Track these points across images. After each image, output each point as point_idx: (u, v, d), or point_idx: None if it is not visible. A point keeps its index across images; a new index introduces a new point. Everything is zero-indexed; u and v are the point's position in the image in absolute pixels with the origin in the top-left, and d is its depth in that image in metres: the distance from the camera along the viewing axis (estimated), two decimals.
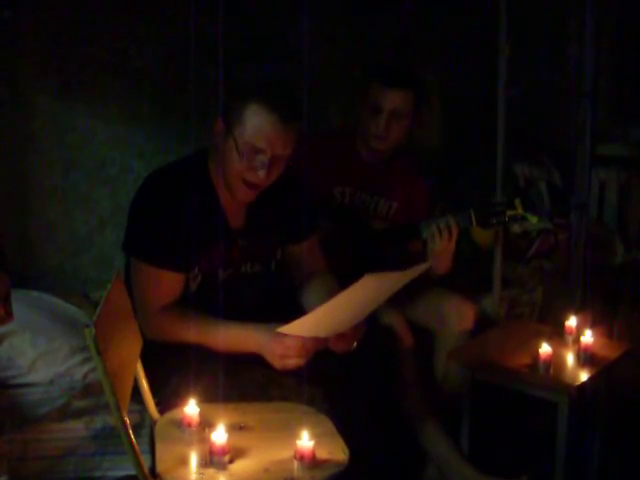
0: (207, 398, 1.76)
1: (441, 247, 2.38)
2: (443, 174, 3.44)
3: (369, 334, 1.94)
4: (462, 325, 2.42)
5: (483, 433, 2.35)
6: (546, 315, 2.86)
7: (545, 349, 2.13)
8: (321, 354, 1.86)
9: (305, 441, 1.54)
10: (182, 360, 1.85)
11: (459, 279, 2.58)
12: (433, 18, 3.34)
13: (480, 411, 2.33)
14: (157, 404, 1.81)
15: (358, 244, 2.50)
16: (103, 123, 2.78)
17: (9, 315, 1.63)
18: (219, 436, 1.55)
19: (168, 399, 1.83)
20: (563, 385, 2.11)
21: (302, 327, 1.80)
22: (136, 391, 1.75)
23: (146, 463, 1.56)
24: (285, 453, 1.58)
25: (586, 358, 2.19)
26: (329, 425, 1.71)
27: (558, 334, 2.32)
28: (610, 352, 2.28)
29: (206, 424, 1.66)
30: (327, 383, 1.92)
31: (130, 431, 1.48)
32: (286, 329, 1.82)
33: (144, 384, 1.79)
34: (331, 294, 1.77)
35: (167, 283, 1.96)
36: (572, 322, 2.31)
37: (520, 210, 2.38)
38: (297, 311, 1.93)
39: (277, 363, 1.85)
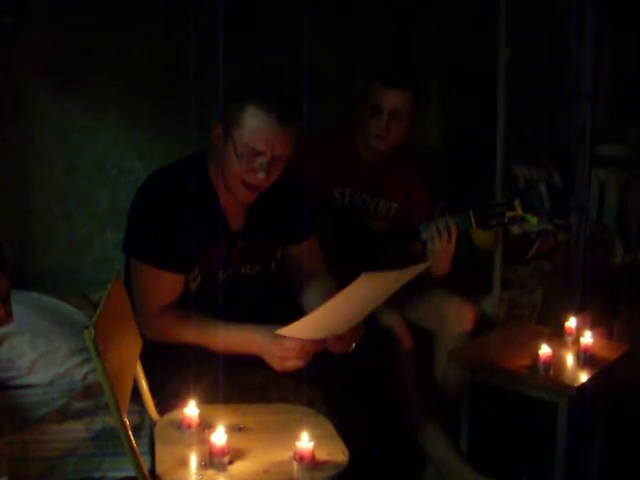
0: (207, 399, 1.76)
1: (441, 248, 2.38)
2: (443, 174, 3.44)
3: (368, 335, 1.94)
4: (462, 326, 2.42)
5: (483, 434, 2.35)
6: (546, 316, 2.86)
7: (545, 350, 2.13)
8: (320, 356, 1.86)
9: (305, 442, 1.54)
10: (182, 361, 1.85)
11: (459, 280, 2.58)
12: (433, 18, 3.35)
13: (480, 412, 2.33)
14: (157, 405, 1.81)
15: (358, 245, 2.50)
16: (103, 124, 2.79)
17: (9, 316, 1.63)
18: (219, 437, 1.55)
19: (168, 400, 1.83)
20: (563, 386, 2.11)
21: (301, 329, 1.80)
22: (136, 392, 1.75)
23: (146, 464, 1.57)
24: (285, 454, 1.58)
25: (586, 359, 2.19)
26: (329, 426, 1.71)
27: (558, 335, 2.32)
28: (610, 353, 2.28)
29: (206, 425, 1.66)
30: (327, 385, 1.93)
31: (130, 432, 1.48)
32: (285, 331, 1.82)
33: (144, 385, 1.79)
34: (330, 296, 1.77)
35: (167, 284, 1.96)
36: (572, 323, 2.32)
37: (520, 211, 2.38)
38: (297, 312, 1.93)
39: (277, 365, 1.85)
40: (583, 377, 2.13)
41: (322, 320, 1.79)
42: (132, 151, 2.85)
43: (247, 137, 1.88)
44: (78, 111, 2.74)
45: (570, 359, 2.23)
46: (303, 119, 2.01)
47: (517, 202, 2.38)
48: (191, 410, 1.68)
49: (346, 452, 1.61)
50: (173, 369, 1.89)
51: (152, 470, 1.58)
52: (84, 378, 2.15)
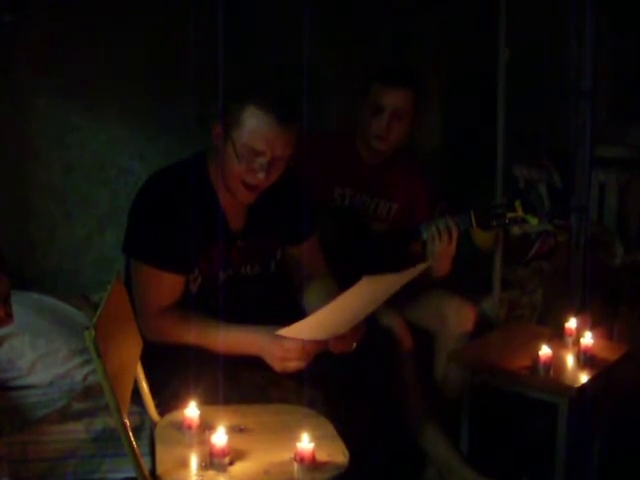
0: (207, 400, 1.76)
1: (441, 249, 2.38)
2: (443, 174, 3.44)
3: (369, 336, 1.94)
4: (462, 327, 2.42)
5: (483, 435, 2.35)
6: (546, 317, 2.86)
7: (545, 351, 2.13)
8: (321, 356, 1.86)
9: (305, 443, 1.54)
10: (182, 362, 1.85)
11: (459, 281, 2.58)
12: (433, 18, 3.34)
13: (480, 413, 2.33)
14: (157, 406, 1.81)
15: (358, 245, 2.50)
16: (103, 124, 2.78)
17: (9, 317, 1.63)
18: (219, 438, 1.55)
19: (168, 401, 1.83)
20: (563, 387, 2.11)
21: (302, 330, 1.80)
22: (136, 393, 1.75)
23: (146, 465, 1.57)
24: (285, 455, 1.58)
25: (586, 360, 2.19)
26: (329, 427, 1.71)
27: (558, 336, 2.32)
28: (610, 354, 2.28)
29: (206, 426, 1.65)
30: (327, 385, 1.93)
31: (130, 433, 1.48)
32: (286, 332, 1.82)
33: (144, 386, 1.79)
34: (331, 296, 1.77)
35: (167, 284, 1.96)
36: (572, 324, 2.32)
37: (520, 212, 2.38)
38: (297, 313, 1.93)
39: (277, 365, 1.85)
40: (583, 378, 2.13)
41: (323, 321, 1.79)
42: (132, 151, 2.85)
43: (247, 137, 1.88)
44: (78, 111, 2.74)
45: (570, 360, 2.23)
46: (303, 119, 2.01)
47: (518, 203, 2.38)
48: (191, 411, 1.68)
49: (346, 453, 1.61)
50: (173, 370, 1.89)
51: (152, 471, 1.58)
52: (84, 379, 2.15)
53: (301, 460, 1.53)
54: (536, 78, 3.29)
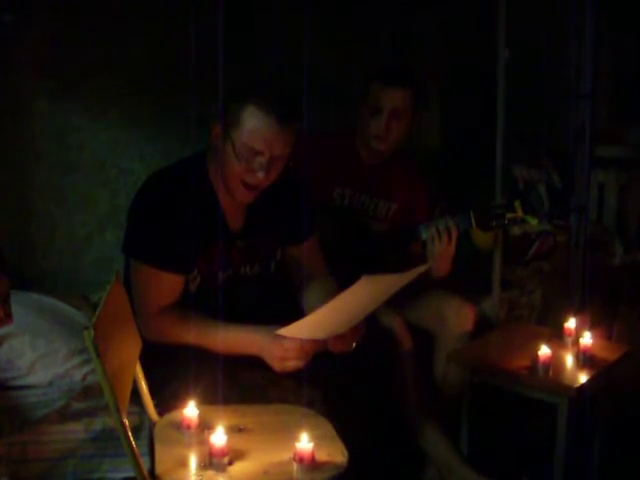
0: (206, 400, 1.76)
1: (441, 249, 2.38)
2: (443, 174, 3.44)
3: (368, 336, 1.94)
4: (461, 327, 2.42)
5: (483, 434, 2.35)
6: (545, 317, 2.86)
7: (544, 351, 2.13)
8: (320, 356, 1.86)
9: (304, 443, 1.54)
10: (181, 362, 1.85)
11: (459, 281, 2.58)
12: (433, 18, 3.34)
13: (480, 413, 2.33)
14: (156, 406, 1.81)
15: (358, 246, 2.50)
16: (103, 125, 2.78)
17: (9, 317, 1.63)
18: (218, 438, 1.55)
19: (167, 401, 1.83)
20: (562, 387, 2.11)
21: (301, 329, 1.80)
22: (135, 393, 1.75)
23: (145, 465, 1.57)
24: (284, 455, 1.58)
25: (585, 360, 2.19)
26: (328, 427, 1.71)
27: (557, 336, 2.32)
28: (609, 354, 2.28)
29: (205, 426, 1.65)
30: (326, 385, 1.93)
31: (129, 433, 1.48)
32: (285, 331, 1.82)
33: (143, 386, 1.79)
34: (330, 296, 1.77)
35: (167, 284, 1.96)
36: (571, 324, 2.32)
37: (520, 213, 2.38)
38: (296, 312, 1.93)
39: (276, 365, 1.85)
40: (583, 378, 2.13)
41: (322, 321, 1.79)
42: (132, 151, 2.85)
43: (246, 137, 1.88)
44: (78, 111, 2.74)
45: (570, 360, 2.24)
46: (303, 119, 2.01)
47: (517, 203, 2.38)
48: (191, 411, 1.68)
49: (346, 453, 1.60)
50: (173, 370, 1.89)
51: (152, 471, 1.58)
52: (84, 379, 2.15)
53: (300, 460, 1.53)
54: (536, 78, 3.29)
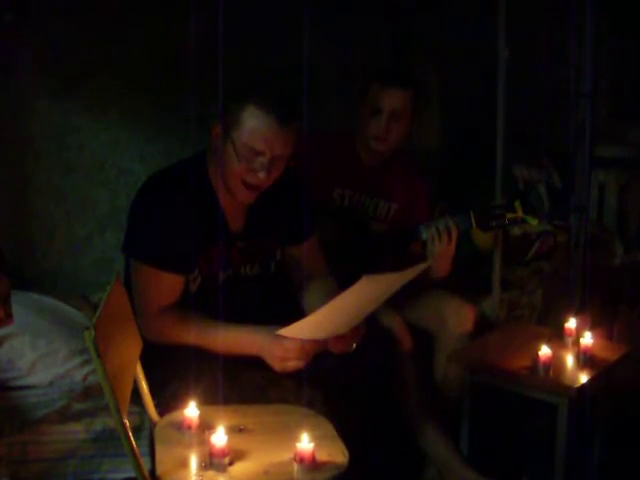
0: (207, 400, 1.76)
1: (441, 249, 2.38)
2: (443, 174, 3.44)
3: (368, 336, 1.94)
4: (462, 327, 2.42)
5: (483, 435, 2.35)
6: (546, 317, 2.87)
7: (545, 351, 2.13)
8: (320, 356, 1.86)
9: (305, 443, 1.54)
10: (182, 362, 1.85)
11: (459, 281, 2.58)
12: (433, 18, 3.34)
13: (480, 413, 2.33)
14: (157, 406, 1.81)
15: (358, 246, 2.50)
16: (103, 125, 2.78)
17: (9, 317, 1.63)
18: (219, 438, 1.55)
19: (168, 401, 1.83)
20: (563, 387, 2.11)
21: (301, 330, 1.80)
22: (136, 393, 1.75)
23: (146, 465, 1.56)
24: (285, 455, 1.58)
25: (586, 360, 2.19)
26: (329, 427, 1.71)
27: (558, 336, 2.32)
28: (610, 354, 2.28)
29: (206, 426, 1.65)
30: (327, 385, 1.93)
31: (130, 433, 1.48)
32: (285, 331, 1.82)
33: (144, 386, 1.79)
34: (330, 296, 1.77)
35: (167, 285, 1.96)
36: (572, 324, 2.32)
37: (520, 213, 2.38)
38: (297, 313, 1.93)
39: (277, 365, 1.85)
40: (583, 378, 2.13)
41: (322, 321, 1.79)
42: (132, 151, 2.85)
43: (247, 137, 1.88)
44: (78, 111, 2.74)
45: (570, 360, 2.23)
46: (303, 119, 2.01)
47: (517, 204, 2.38)
48: (191, 411, 1.68)
49: (346, 453, 1.60)
50: (173, 370, 1.89)
51: (152, 471, 1.58)
52: (84, 379, 2.15)
53: (301, 460, 1.53)
54: (536, 78, 3.29)
